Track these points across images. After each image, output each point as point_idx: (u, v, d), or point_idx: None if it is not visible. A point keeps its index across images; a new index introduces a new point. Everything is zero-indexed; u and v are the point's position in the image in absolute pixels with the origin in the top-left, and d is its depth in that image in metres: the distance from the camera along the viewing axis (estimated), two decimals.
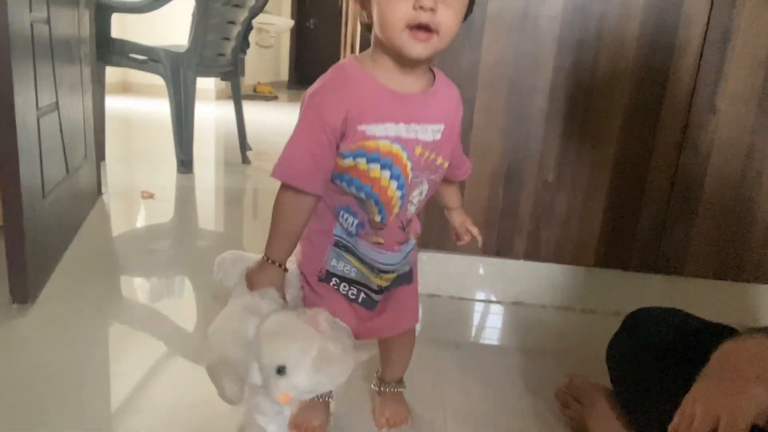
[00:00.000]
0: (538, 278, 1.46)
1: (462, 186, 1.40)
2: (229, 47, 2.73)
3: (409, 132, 0.74)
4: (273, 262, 0.76)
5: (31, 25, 1.26)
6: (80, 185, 1.78)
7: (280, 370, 0.68)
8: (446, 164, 0.81)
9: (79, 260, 1.53)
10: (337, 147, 0.73)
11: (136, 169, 2.73)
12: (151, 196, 2.16)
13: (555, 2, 1.29)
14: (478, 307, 1.48)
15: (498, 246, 1.44)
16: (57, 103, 1.48)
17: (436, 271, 1.45)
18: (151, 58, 2.50)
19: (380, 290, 0.84)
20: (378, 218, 0.77)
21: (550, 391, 1.07)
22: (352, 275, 0.81)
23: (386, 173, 0.74)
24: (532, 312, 1.46)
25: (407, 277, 0.87)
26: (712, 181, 1.37)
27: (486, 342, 1.33)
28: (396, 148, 0.74)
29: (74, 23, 1.78)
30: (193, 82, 2.51)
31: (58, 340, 1.13)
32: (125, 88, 5.52)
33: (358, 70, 0.74)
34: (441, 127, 0.77)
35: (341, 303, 0.81)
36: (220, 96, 5.65)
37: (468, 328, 1.39)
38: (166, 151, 2.74)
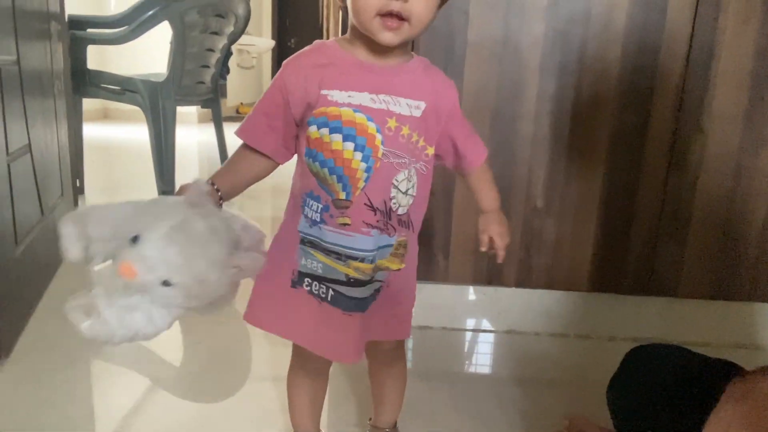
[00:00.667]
0: (530, 305, 1.43)
1: (449, 215, 1.37)
2: (208, 75, 2.70)
3: (376, 102, 0.73)
4: (213, 183, 0.76)
5: None
6: (55, 226, 1.72)
7: (134, 239, 0.60)
8: (430, 151, 0.79)
9: (57, 305, 1.47)
10: (304, 115, 0.74)
11: (116, 200, 2.66)
12: None
13: (535, 28, 1.28)
14: (471, 337, 1.45)
15: (489, 274, 1.41)
16: (29, 144, 1.44)
17: (426, 303, 1.42)
18: (129, 89, 2.46)
19: (354, 282, 0.78)
20: (342, 195, 0.75)
21: (549, 424, 1.04)
22: (319, 271, 0.77)
23: (349, 144, 0.73)
24: (525, 340, 1.43)
25: (374, 298, 0.82)
26: (701, 201, 1.35)
27: (480, 373, 1.29)
28: (360, 117, 0.73)
29: (47, 57, 1.73)
30: (173, 112, 2.47)
31: (34, 397, 1.08)
32: (105, 115, 5.46)
33: (334, 43, 0.77)
34: (421, 104, 0.75)
35: (311, 313, 0.78)
36: (202, 119, 5.60)
37: (461, 360, 1.35)
38: (148, 181, 2.68)
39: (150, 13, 2.36)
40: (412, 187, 0.78)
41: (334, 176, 0.74)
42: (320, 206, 0.76)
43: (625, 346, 0.89)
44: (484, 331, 1.46)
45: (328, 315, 0.79)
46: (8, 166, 1.25)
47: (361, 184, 0.75)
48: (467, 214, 1.37)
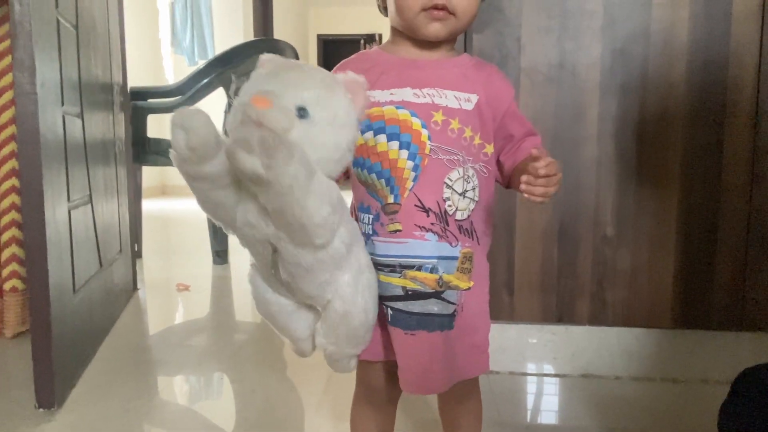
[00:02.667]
0: (607, 346, 1.31)
1: (511, 247, 1.30)
2: None
3: (420, 96, 0.70)
4: None
5: (63, 118, 1.26)
6: (114, 280, 1.73)
7: (301, 110, 0.60)
8: (489, 149, 0.73)
9: (112, 359, 1.45)
10: None
11: (172, 263, 2.70)
12: (186, 288, 2.11)
13: (592, 49, 1.24)
14: (543, 383, 1.33)
15: (559, 311, 1.31)
16: (90, 196, 1.47)
17: (492, 345, 1.31)
18: None
19: (413, 295, 0.71)
20: (391, 198, 0.71)
21: None
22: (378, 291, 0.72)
23: (394, 144, 0.70)
24: (605, 385, 1.29)
25: (448, 323, 0.73)
26: None
27: (555, 424, 1.17)
28: (403, 113, 0.70)
29: (109, 123, 1.81)
30: None
31: None
32: (163, 191, 5.68)
33: (377, 49, 0.75)
34: (472, 96, 0.72)
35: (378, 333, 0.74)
36: None
37: (534, 408, 1.23)
38: (202, 244, 2.72)
39: (205, 80, 2.47)
40: (472, 190, 0.72)
41: (382, 180, 0.71)
42: (371, 217, 0.72)
43: (720, 389, 0.77)
44: (557, 375, 1.34)
45: (392, 338, 0.72)
46: (69, 212, 1.26)
47: (409, 183, 0.70)
48: (531, 245, 1.29)
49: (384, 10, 0.76)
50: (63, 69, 1.27)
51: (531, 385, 1.32)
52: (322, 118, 0.61)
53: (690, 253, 1.27)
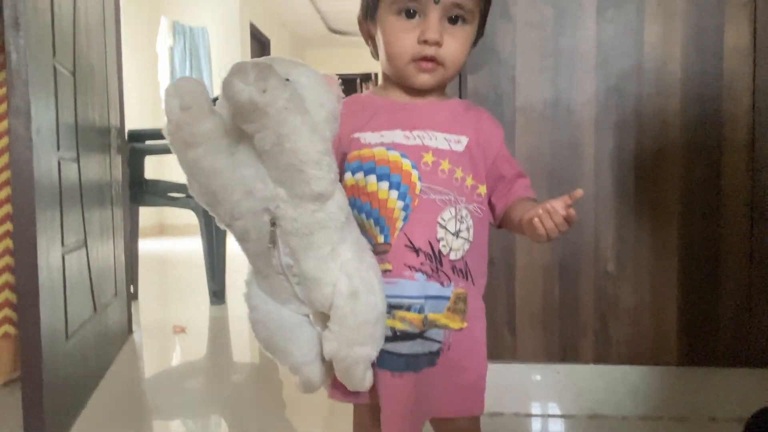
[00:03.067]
0: (613, 384, 1.28)
1: (512, 284, 1.28)
2: None
3: (410, 138, 0.71)
4: None
5: (59, 163, 1.26)
6: (109, 324, 1.70)
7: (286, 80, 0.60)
8: (482, 190, 0.74)
9: (106, 404, 1.41)
10: (341, 165, 0.71)
11: (168, 304, 2.67)
12: (182, 330, 2.07)
13: (587, 86, 1.25)
14: (548, 423, 1.29)
15: (562, 350, 1.28)
16: (85, 239, 1.45)
17: (494, 385, 1.27)
18: (186, 195, 2.54)
19: (402, 336, 0.70)
20: (381, 238, 0.70)
21: None
22: None
23: (384, 184, 0.70)
24: (612, 425, 1.26)
25: (431, 360, 0.72)
26: None
27: None
28: (393, 155, 0.71)
29: (106, 166, 1.81)
30: None
31: None
32: (161, 231, 5.67)
33: (368, 92, 0.77)
34: (462, 138, 0.73)
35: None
36: None
37: None
38: (200, 284, 2.69)
39: None
40: (466, 230, 0.72)
41: (371, 220, 0.71)
42: None
43: (729, 427, 0.75)
44: (563, 416, 1.30)
45: (379, 381, 0.70)
46: (63, 257, 1.25)
47: (399, 223, 0.71)
48: (531, 282, 1.28)
49: (376, 56, 0.77)
50: (59, 114, 1.27)
51: (536, 425, 1.28)
52: (304, 82, 0.63)
53: (693, 288, 1.25)
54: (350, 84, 8.37)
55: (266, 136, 0.58)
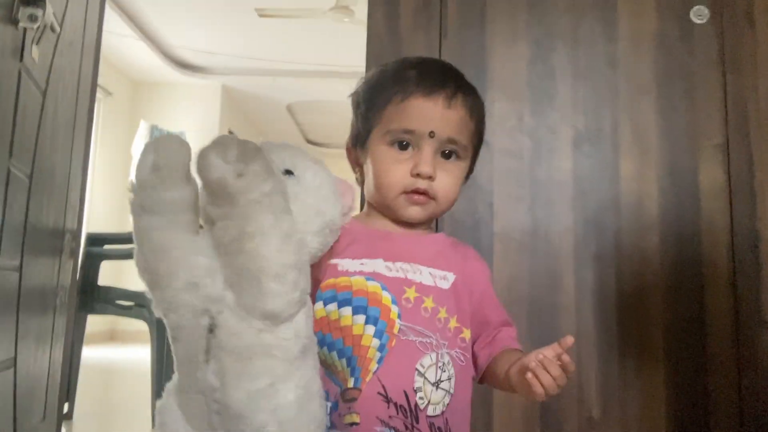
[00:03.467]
0: None
1: (489, 429, 1.16)
2: None
3: (392, 270, 0.65)
4: None
5: None
6: None
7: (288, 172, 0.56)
8: (466, 334, 0.66)
9: None
10: (312, 293, 0.63)
11: (105, 428, 2.42)
12: None
13: (564, 218, 1.22)
14: None
15: None
16: (15, 358, 1.29)
17: None
18: (137, 304, 2.39)
19: None
20: (351, 381, 0.60)
21: None
22: None
23: (359, 318, 0.62)
24: None
25: None
26: None
27: None
28: (373, 285, 0.64)
29: (53, 271, 1.68)
30: None
31: None
32: (112, 337, 5.34)
33: (350, 219, 0.70)
34: (448, 275, 0.67)
35: None
36: None
37: None
38: (143, 404, 2.45)
39: None
40: (448, 380, 0.64)
41: (344, 359, 0.62)
42: (329, 405, 0.61)
43: None
44: None
45: None
46: None
47: (373, 365, 0.62)
48: (511, 428, 1.16)
49: (361, 183, 0.73)
50: (6, 219, 1.18)
51: None
52: (308, 181, 0.57)
53: None
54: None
55: (227, 228, 0.50)
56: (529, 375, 0.59)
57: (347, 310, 0.63)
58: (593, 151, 1.24)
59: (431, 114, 0.67)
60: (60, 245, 1.76)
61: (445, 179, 0.68)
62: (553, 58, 1.27)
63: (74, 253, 1.98)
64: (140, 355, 4.35)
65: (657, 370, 1.17)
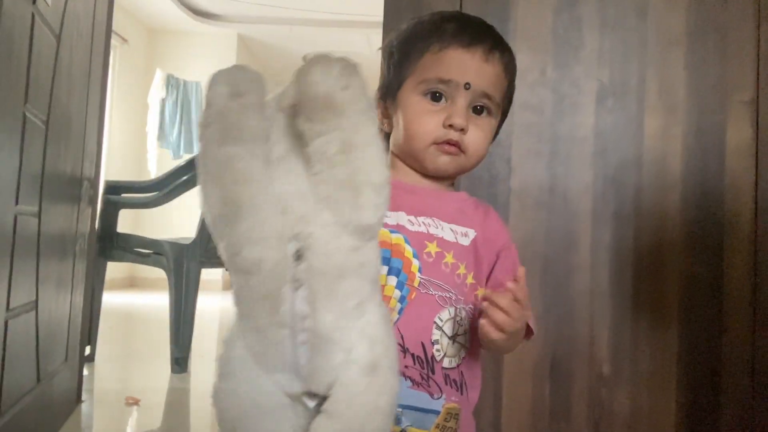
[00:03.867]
0: None
1: (499, 383, 1.18)
2: None
3: (414, 224, 0.66)
4: None
5: (15, 218, 1.15)
6: (54, 394, 1.55)
7: None
8: (480, 292, 0.67)
9: None
10: None
11: (126, 369, 2.50)
12: (136, 402, 1.91)
13: (584, 175, 1.20)
14: None
15: None
16: (36, 302, 1.33)
17: None
18: (155, 252, 2.42)
19: None
20: None
21: None
22: None
23: (382, 269, 0.63)
24: None
25: None
26: None
27: None
28: (396, 238, 0.65)
29: (72, 218, 1.71)
30: (197, 275, 2.39)
31: None
32: (132, 283, 5.47)
33: None
34: (469, 231, 0.68)
35: None
36: (227, 286, 5.57)
37: None
38: (163, 347, 2.53)
39: (183, 178, 2.41)
40: (463, 334, 0.65)
41: None
42: None
43: None
44: None
45: None
46: (6, 323, 1.12)
47: (394, 316, 0.63)
48: (520, 382, 1.17)
49: (387, 135, 0.71)
50: (23, 166, 1.18)
51: None
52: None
53: (693, 395, 1.16)
54: None
55: (332, 141, 0.48)
56: (482, 321, 0.60)
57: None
58: (617, 107, 1.21)
59: (468, 65, 0.67)
60: (78, 192, 1.77)
61: (477, 133, 0.67)
62: (580, 8, 1.21)
63: (92, 201, 2.00)
64: (160, 301, 4.47)
65: (670, 330, 1.16)
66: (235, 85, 0.50)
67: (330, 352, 0.50)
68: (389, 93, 0.71)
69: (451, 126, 0.66)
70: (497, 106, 0.70)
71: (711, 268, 1.17)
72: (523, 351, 1.17)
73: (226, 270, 0.55)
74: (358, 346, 0.50)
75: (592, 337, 1.17)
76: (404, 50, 0.70)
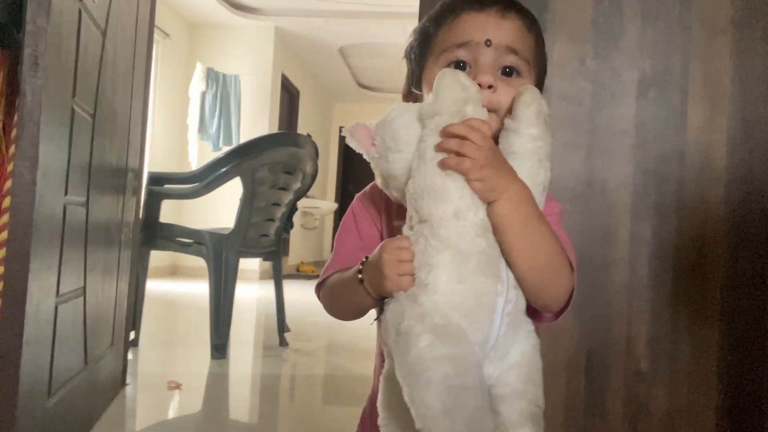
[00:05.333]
0: None
1: None
2: (273, 228, 2.72)
3: None
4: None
5: (65, 207, 1.20)
6: (100, 377, 1.61)
7: None
8: None
9: None
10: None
11: (169, 354, 2.57)
12: (177, 386, 1.97)
13: (623, 167, 1.18)
14: None
15: None
16: (84, 288, 1.38)
17: None
18: (196, 241, 2.49)
19: None
20: None
21: None
22: None
23: None
24: None
25: None
26: None
27: None
28: None
29: (118, 208, 1.76)
30: (235, 264, 2.45)
31: None
32: (174, 272, 5.63)
33: None
34: None
35: None
36: (263, 276, 5.67)
37: None
38: (204, 333, 2.60)
39: (223, 170, 2.46)
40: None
41: None
42: None
43: None
44: None
45: None
46: (56, 308, 1.18)
47: None
48: (554, 377, 1.16)
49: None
50: (72, 157, 1.23)
51: None
52: None
53: (734, 395, 1.13)
54: None
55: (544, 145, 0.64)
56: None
57: None
58: (659, 98, 1.18)
59: (485, 23, 0.64)
60: (123, 183, 1.83)
61: (508, 90, 0.63)
62: None
63: (137, 192, 2.06)
64: (201, 289, 4.58)
65: (712, 327, 1.14)
66: (468, 90, 0.60)
67: None
68: (415, 80, 0.70)
69: (479, 85, 0.61)
70: (527, 63, 0.66)
71: (755, 265, 1.13)
72: (558, 348, 1.16)
73: None
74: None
75: (630, 332, 1.15)
76: (422, 38, 0.69)
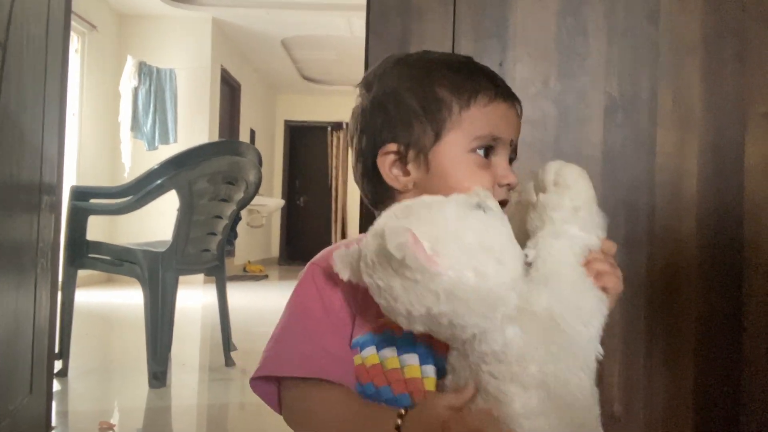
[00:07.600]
0: None
1: None
2: (214, 242, 2.55)
3: None
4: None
5: None
6: (20, 429, 1.43)
7: None
8: None
9: None
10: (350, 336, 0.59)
11: (102, 386, 2.38)
12: (110, 428, 1.80)
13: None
14: None
15: None
16: None
17: None
18: (128, 260, 2.29)
19: None
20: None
21: None
22: None
23: (429, 368, 0.58)
24: None
25: None
26: None
27: None
28: None
29: (31, 231, 1.57)
30: (173, 284, 2.27)
31: None
32: (109, 279, 5.31)
33: None
34: None
35: None
36: (208, 280, 5.44)
37: None
38: (141, 358, 2.41)
39: (157, 182, 2.27)
40: None
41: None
42: None
43: None
44: None
45: None
46: None
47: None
48: None
49: (374, 200, 0.67)
50: None
51: None
52: None
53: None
54: (321, 131, 8.27)
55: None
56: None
57: (412, 358, 0.57)
58: (627, 121, 1.10)
59: (513, 121, 0.68)
60: (37, 201, 1.64)
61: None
62: (586, 12, 1.10)
63: (55, 209, 1.86)
64: (137, 299, 4.33)
65: (686, 368, 1.08)
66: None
67: None
68: (419, 147, 0.64)
69: (509, 185, 0.65)
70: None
71: (729, 298, 1.08)
72: None
73: None
74: None
75: (601, 373, 1.08)
76: (430, 99, 0.64)
